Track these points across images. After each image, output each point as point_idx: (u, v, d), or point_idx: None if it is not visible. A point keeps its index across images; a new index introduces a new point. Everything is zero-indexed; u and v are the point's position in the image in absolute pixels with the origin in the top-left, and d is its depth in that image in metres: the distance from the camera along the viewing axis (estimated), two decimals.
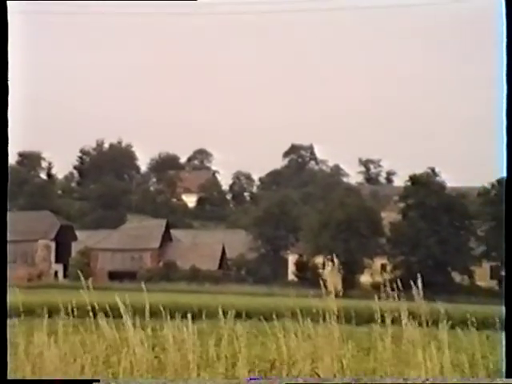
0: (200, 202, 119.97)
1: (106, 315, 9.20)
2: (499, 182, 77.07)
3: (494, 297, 63.67)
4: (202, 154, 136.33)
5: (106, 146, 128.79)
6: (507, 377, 7.41)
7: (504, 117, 7.82)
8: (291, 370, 8.36)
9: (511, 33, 7.70)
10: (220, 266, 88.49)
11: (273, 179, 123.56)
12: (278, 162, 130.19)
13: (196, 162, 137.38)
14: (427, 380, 7.48)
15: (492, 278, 73.77)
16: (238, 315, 9.83)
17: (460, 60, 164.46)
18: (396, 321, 8.66)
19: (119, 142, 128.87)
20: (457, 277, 73.55)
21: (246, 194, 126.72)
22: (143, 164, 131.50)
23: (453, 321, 8.80)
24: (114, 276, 78.28)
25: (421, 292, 8.81)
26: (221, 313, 9.21)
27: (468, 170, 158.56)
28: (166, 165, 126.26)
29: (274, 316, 9.34)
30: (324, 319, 8.88)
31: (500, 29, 7.72)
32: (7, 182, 7.65)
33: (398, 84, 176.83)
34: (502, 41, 7.71)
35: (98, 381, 7.89)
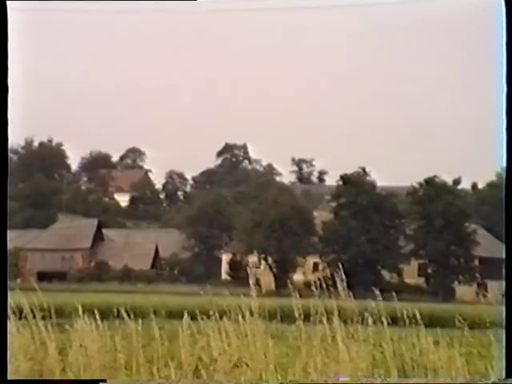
0: (133, 201, 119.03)
1: (20, 317, 9.22)
2: (427, 181, 79.04)
3: (421, 294, 65.40)
4: (134, 153, 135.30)
5: (36, 144, 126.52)
6: (507, 377, 7.45)
7: (504, 117, 7.90)
8: (219, 366, 8.40)
9: (511, 33, 7.71)
10: (153, 266, 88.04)
11: (206, 178, 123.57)
12: (212, 161, 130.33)
13: (128, 160, 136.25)
14: (427, 380, 7.58)
15: (420, 275, 75.59)
16: (171, 315, 10.09)
17: (460, 60, 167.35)
18: (328, 319, 8.79)
19: (49, 141, 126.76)
20: (386, 275, 75.04)
21: (179, 193, 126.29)
22: (74, 163, 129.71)
23: (382, 318, 8.94)
24: (43, 276, 76.99)
25: (346, 289, 9.03)
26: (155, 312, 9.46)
27: (397, 170, 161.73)
28: (97, 163, 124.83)
29: (208, 315, 9.39)
30: (257, 317, 8.94)
31: (500, 29, 7.69)
32: (7, 182, 7.71)
33: (335, 84, 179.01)
34: (502, 41, 7.71)
35: (105, 381, 7.94)
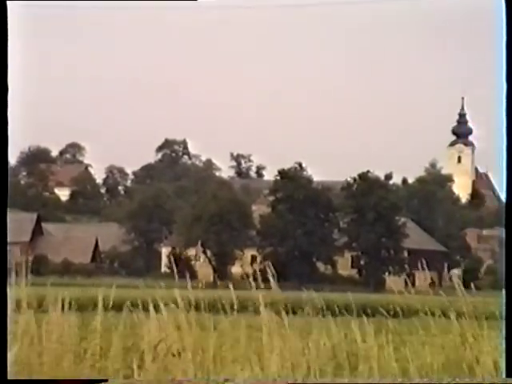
0: (73, 195, 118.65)
1: None
2: (360, 176, 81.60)
3: (354, 285, 67.50)
4: (74, 148, 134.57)
5: None
6: (507, 377, 7.53)
7: (504, 117, 7.65)
8: (157, 355, 8.57)
9: (511, 33, 7.63)
10: (93, 259, 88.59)
11: (146, 173, 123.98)
12: (152, 157, 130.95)
13: (68, 155, 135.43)
14: (427, 380, 7.70)
15: (353, 267, 77.79)
16: (110, 307, 9.75)
17: (460, 60, 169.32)
18: (265, 310, 8.94)
19: None
20: (321, 266, 76.95)
21: (119, 187, 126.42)
22: (12, 157, 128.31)
23: (316, 308, 9.24)
24: None
25: (275, 281, 9.34)
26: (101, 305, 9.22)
27: (333, 165, 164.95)
28: (36, 158, 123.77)
29: (147, 307, 9.27)
30: (195, 309, 9.07)
31: (500, 29, 7.64)
32: (7, 182, 7.71)
33: (273, 81, 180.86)
34: (502, 41, 7.64)
35: (106, 380, 7.94)
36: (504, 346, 7.41)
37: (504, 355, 7.40)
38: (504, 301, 7.56)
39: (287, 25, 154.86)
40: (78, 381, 8.36)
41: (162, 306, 9.25)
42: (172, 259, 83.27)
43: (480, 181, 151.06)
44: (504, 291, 7.58)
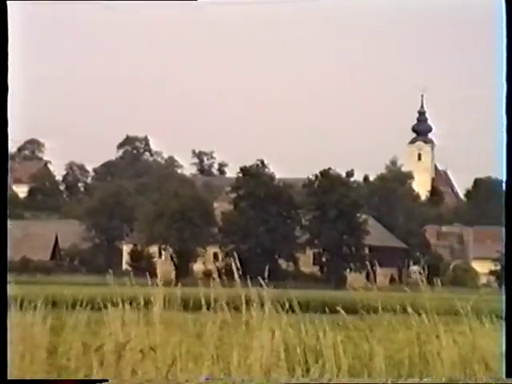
0: (31, 192, 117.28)
1: None
2: (322, 173, 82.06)
3: (315, 281, 67.91)
4: (33, 144, 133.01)
5: None
6: (507, 377, 7.44)
7: (504, 117, 7.63)
8: (126, 354, 8.55)
9: (511, 33, 7.62)
10: (52, 257, 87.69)
11: (107, 170, 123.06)
12: (113, 153, 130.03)
13: (27, 152, 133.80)
14: (427, 380, 7.68)
15: (314, 264, 78.24)
16: (71, 305, 9.69)
17: (460, 60, 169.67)
18: (230, 307, 9.01)
19: None
20: (283, 263, 77.22)
21: (79, 184, 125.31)
22: None
23: (278, 305, 9.17)
24: None
25: (242, 278, 9.36)
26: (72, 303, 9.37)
27: (295, 162, 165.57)
28: None
29: (108, 305, 9.26)
30: (158, 307, 9.01)
31: (500, 29, 7.65)
32: (7, 182, 7.65)
33: (232, 78, 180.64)
34: (502, 41, 7.59)
35: (107, 380, 7.90)
36: (504, 345, 7.48)
37: (504, 355, 7.47)
38: (504, 300, 7.57)
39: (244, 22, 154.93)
40: (78, 381, 8.29)
41: (123, 303, 9.21)
42: (133, 257, 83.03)
43: (439, 178, 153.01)
44: (504, 291, 7.63)
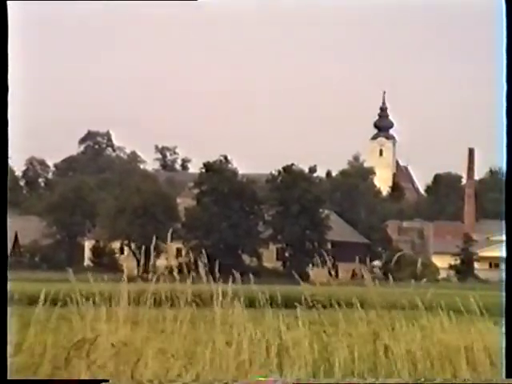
0: None
1: None
2: (285, 169, 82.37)
3: (279, 277, 68.13)
4: None
5: None
6: (507, 377, 7.38)
7: (504, 117, 7.65)
8: (97, 349, 8.48)
9: (511, 33, 7.59)
10: (12, 253, 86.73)
11: (68, 165, 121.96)
12: (74, 148, 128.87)
13: None
14: (427, 380, 7.64)
15: (278, 259, 78.53)
16: (31, 301, 9.57)
17: (460, 60, 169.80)
18: (195, 302, 9.00)
19: None
20: (246, 259, 77.35)
21: (40, 180, 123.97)
22: None
23: (241, 301, 9.22)
24: None
25: (208, 274, 9.42)
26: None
27: (258, 158, 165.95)
28: None
29: (70, 301, 9.22)
30: (120, 303, 8.95)
31: (500, 29, 7.58)
32: (7, 182, 7.57)
33: (196, 73, 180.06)
34: (502, 41, 7.57)
35: (108, 381, 7.86)
36: (504, 345, 7.50)
37: (504, 355, 7.49)
38: (504, 300, 7.60)
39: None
40: (79, 381, 8.19)
41: (87, 300, 9.16)
42: (95, 253, 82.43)
43: (400, 174, 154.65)
44: (504, 290, 7.64)
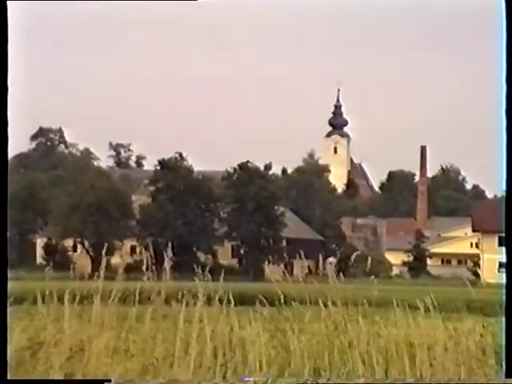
0: None
1: None
2: (241, 166, 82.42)
3: (234, 274, 68.18)
4: None
5: None
6: (507, 377, 7.43)
7: (504, 117, 7.61)
8: (55, 350, 8.43)
9: (511, 33, 7.61)
10: None
11: (19, 162, 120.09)
12: (26, 145, 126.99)
13: None
14: (427, 380, 7.75)
15: (233, 256, 78.56)
16: None
17: (460, 60, 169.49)
18: (148, 300, 8.99)
19: None
20: (202, 256, 77.17)
21: None
22: None
23: (197, 298, 9.15)
24: None
25: (167, 272, 9.42)
26: None
27: (213, 155, 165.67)
28: None
29: (22, 300, 9.11)
30: (73, 301, 8.94)
31: (500, 29, 7.60)
32: (7, 183, 7.61)
33: (152, 70, 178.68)
34: (502, 41, 7.59)
35: (110, 380, 7.83)
36: (504, 345, 7.51)
37: (504, 355, 7.50)
38: (504, 299, 7.60)
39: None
40: (79, 381, 8.11)
41: (41, 298, 9.06)
42: (48, 251, 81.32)
43: (355, 171, 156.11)
44: (504, 290, 7.64)
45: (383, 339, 8.69)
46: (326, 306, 9.24)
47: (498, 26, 7.59)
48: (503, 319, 9.78)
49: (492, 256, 78.34)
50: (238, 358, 8.53)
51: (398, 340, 8.62)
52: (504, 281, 7.54)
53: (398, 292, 10.43)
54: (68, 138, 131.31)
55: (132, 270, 10.90)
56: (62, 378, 8.13)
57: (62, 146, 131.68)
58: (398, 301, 9.26)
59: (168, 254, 9.67)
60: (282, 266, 79.67)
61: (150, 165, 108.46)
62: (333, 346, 8.74)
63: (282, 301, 9.42)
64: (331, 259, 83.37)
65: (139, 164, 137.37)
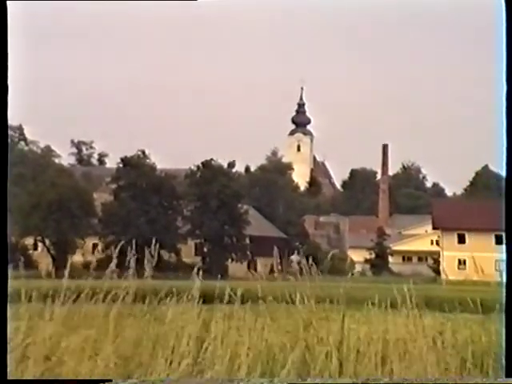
0: None
1: None
2: (204, 164, 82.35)
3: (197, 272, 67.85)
4: None
5: None
6: (507, 377, 7.43)
7: (504, 117, 7.59)
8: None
9: (511, 33, 7.60)
10: None
11: None
12: None
13: None
14: (427, 380, 7.73)
15: (196, 254, 78.43)
16: None
17: (460, 60, 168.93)
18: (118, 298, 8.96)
19: None
20: (165, 254, 76.93)
21: None
22: None
23: (160, 296, 9.33)
24: None
25: (132, 269, 9.41)
26: None
27: (176, 153, 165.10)
28: None
29: None
30: (31, 300, 8.90)
31: (500, 29, 7.58)
32: (7, 180, 7.61)
33: (114, 67, 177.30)
34: (502, 41, 7.58)
35: (111, 380, 7.82)
36: (504, 344, 7.50)
37: (504, 355, 7.50)
38: (504, 299, 7.61)
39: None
40: (79, 381, 8.04)
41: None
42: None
43: (317, 169, 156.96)
44: (504, 289, 7.64)
45: (352, 336, 8.78)
46: (290, 303, 9.30)
47: (497, 25, 7.60)
48: (464, 315, 9.94)
49: (451, 253, 79.43)
50: (202, 357, 8.52)
51: (365, 337, 8.72)
52: (504, 280, 7.57)
53: (362, 289, 10.54)
54: (28, 136, 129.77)
55: (94, 268, 10.86)
56: (61, 378, 8.10)
57: (22, 143, 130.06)
58: (361, 298, 9.36)
59: (132, 252, 9.68)
60: (246, 263, 79.94)
61: (112, 162, 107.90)
62: (299, 343, 8.78)
63: (246, 298, 9.44)
64: (294, 257, 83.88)
65: (101, 162, 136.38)
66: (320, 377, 8.16)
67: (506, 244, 7.62)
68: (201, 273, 9.77)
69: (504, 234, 7.65)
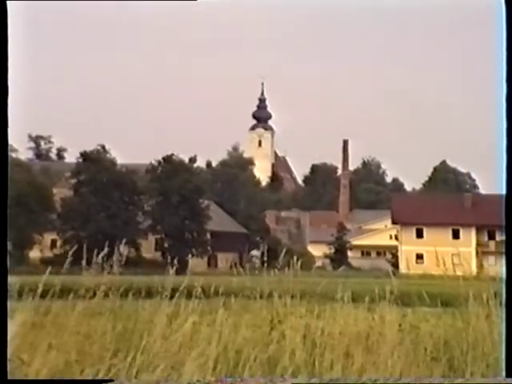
0: None
1: None
2: (165, 159, 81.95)
3: (157, 267, 67.73)
4: None
5: None
6: (507, 377, 7.42)
7: (504, 117, 7.62)
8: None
9: (511, 33, 7.64)
10: None
11: None
12: None
13: None
14: (427, 380, 7.74)
15: (156, 249, 78.09)
16: None
17: (460, 60, 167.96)
18: (70, 294, 9.03)
19: None
20: (125, 250, 76.40)
21: None
22: None
23: (120, 291, 9.43)
24: None
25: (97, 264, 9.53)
26: None
27: (137, 147, 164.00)
28: None
29: None
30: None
31: (500, 29, 7.60)
32: (7, 182, 7.61)
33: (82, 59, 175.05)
34: (502, 41, 7.62)
35: (112, 380, 7.85)
36: (504, 344, 7.50)
37: (504, 355, 7.49)
38: (504, 298, 7.59)
39: None
40: (80, 381, 8.01)
41: None
42: None
43: (279, 164, 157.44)
44: (504, 289, 7.60)
45: (313, 331, 8.82)
46: (252, 298, 9.31)
47: (497, 25, 7.61)
48: (422, 309, 10.05)
49: (410, 247, 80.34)
50: (159, 351, 8.43)
51: (325, 331, 8.77)
52: (504, 276, 7.56)
53: (321, 284, 10.59)
54: None
55: (52, 263, 10.76)
56: (61, 379, 8.06)
57: None
58: (322, 292, 9.41)
59: (83, 248, 9.62)
60: (206, 258, 79.77)
61: (71, 157, 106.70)
62: (263, 338, 8.79)
63: (206, 294, 9.45)
64: (255, 252, 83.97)
65: (60, 156, 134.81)
66: (321, 377, 8.12)
67: (506, 243, 7.63)
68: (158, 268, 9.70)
69: (504, 234, 7.70)
